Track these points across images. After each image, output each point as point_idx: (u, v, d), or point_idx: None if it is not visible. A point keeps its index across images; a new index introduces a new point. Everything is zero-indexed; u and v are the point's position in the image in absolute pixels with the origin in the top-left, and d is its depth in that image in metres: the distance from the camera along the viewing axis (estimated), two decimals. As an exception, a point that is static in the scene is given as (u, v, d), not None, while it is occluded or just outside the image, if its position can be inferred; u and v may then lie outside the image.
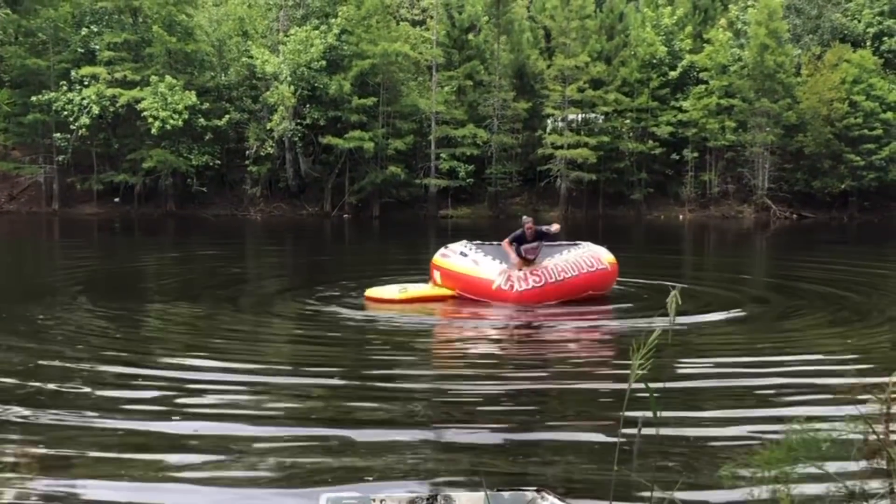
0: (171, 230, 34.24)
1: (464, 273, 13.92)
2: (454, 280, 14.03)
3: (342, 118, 39.32)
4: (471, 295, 13.73)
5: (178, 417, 7.08)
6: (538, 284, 13.20)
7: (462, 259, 14.13)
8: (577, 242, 15.00)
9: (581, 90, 40.50)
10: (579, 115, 41.48)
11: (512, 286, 13.23)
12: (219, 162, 40.06)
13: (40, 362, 9.26)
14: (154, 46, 39.04)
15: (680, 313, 10.41)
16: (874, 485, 2.81)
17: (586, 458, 6.23)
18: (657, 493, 2.33)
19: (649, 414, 2.68)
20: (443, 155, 40.71)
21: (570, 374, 9.26)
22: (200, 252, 25.56)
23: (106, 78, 38.36)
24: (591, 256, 14.03)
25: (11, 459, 5.93)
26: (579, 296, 13.53)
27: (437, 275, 14.32)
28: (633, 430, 2.32)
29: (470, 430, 6.84)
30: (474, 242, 14.73)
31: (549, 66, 41.80)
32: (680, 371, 8.72)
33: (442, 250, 14.65)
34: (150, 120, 37.16)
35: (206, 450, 6.28)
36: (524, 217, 14.04)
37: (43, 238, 31.41)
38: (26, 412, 7.10)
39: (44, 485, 5.50)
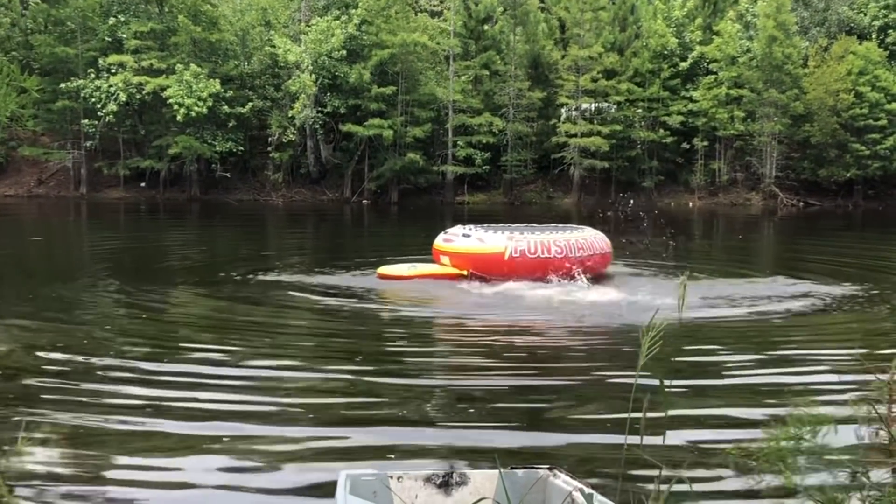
0: (196, 214, 34.58)
1: (473, 252, 14.47)
2: (464, 261, 14.56)
3: (362, 106, 39.57)
4: (483, 272, 14.27)
5: (202, 398, 7.24)
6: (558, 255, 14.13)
7: (466, 240, 14.72)
8: (577, 226, 15.70)
9: (594, 80, 40.84)
10: (592, 105, 41.68)
11: (524, 252, 14.02)
12: (242, 148, 40.40)
13: (67, 343, 9.34)
14: (179, 35, 39.35)
15: (690, 301, 11.15)
16: (877, 467, 2.82)
17: (597, 438, 6.44)
18: (665, 473, 2.53)
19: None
20: (460, 143, 41.03)
21: (583, 360, 9.54)
22: (224, 235, 25.94)
23: (133, 66, 38.68)
24: (602, 239, 14.93)
25: (40, 437, 6.09)
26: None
27: (444, 259, 14.84)
28: (642, 413, 2.44)
29: (485, 412, 7.03)
30: (473, 225, 15.28)
31: (563, 57, 42.11)
32: (688, 358, 8.84)
33: (443, 235, 15.14)
34: (176, 107, 37.48)
35: (228, 429, 6.43)
36: None
37: (71, 221, 31.65)
38: (53, 394, 7.28)
39: (70, 461, 5.65)
